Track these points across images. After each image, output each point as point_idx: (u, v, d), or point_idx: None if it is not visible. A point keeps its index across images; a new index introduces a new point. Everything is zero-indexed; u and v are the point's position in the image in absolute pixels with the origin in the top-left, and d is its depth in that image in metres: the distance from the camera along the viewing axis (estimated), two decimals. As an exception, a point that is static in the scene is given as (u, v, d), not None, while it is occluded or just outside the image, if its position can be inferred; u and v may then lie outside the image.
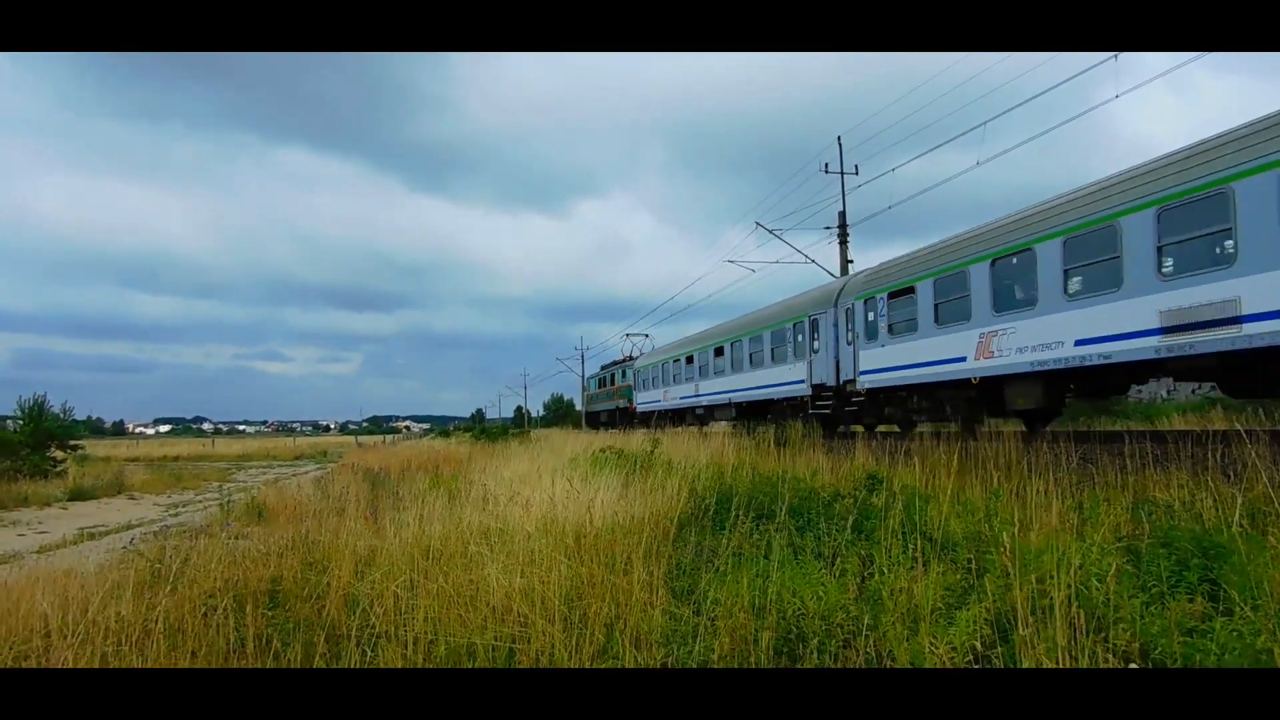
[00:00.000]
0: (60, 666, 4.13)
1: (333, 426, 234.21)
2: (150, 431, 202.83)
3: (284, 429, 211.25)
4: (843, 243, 26.44)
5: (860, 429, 17.39)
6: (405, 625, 4.63)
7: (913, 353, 14.73)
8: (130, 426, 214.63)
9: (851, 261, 26.15)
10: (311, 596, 5.39)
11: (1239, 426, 8.52)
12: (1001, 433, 10.37)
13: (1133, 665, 3.50)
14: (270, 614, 5.09)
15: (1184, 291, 9.48)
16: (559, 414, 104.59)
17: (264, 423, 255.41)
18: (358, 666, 4.32)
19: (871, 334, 16.33)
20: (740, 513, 6.23)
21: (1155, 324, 9.81)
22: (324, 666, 4.31)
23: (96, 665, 4.23)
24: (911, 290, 14.84)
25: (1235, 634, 3.53)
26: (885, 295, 15.91)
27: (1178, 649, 3.62)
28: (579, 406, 63.96)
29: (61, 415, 26.05)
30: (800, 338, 19.65)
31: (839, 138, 26.98)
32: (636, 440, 16.21)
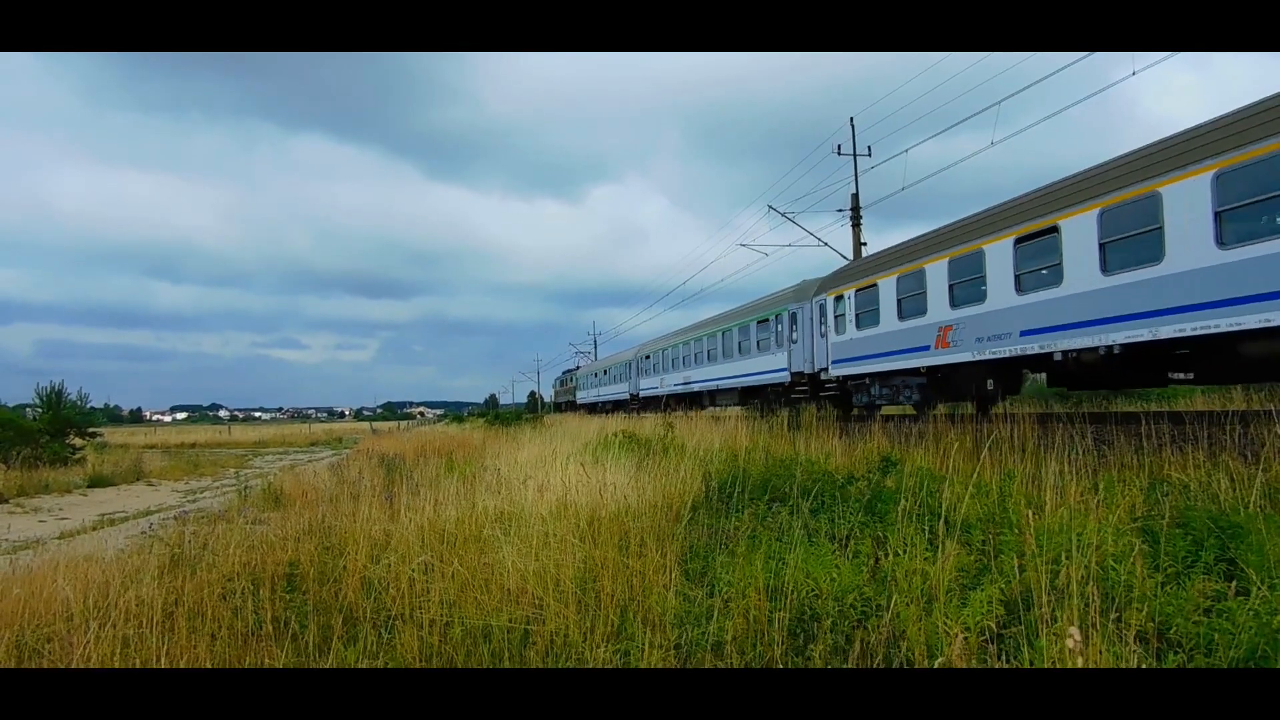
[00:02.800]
0: (79, 650, 4.19)
1: (348, 413, 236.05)
2: (167, 419, 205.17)
3: (299, 416, 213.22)
4: (855, 225, 26.22)
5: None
6: (421, 608, 4.68)
7: (655, 382, 35.34)
8: (148, 414, 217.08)
9: (865, 244, 25.92)
10: (328, 580, 5.45)
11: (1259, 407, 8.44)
12: (1015, 415, 10.38)
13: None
14: (288, 597, 5.16)
15: (690, 371, 30.87)
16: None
17: (280, 410, 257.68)
18: (374, 647, 4.37)
19: (646, 372, 37.45)
20: (754, 496, 6.23)
21: (682, 380, 31.82)
22: (341, 648, 4.36)
23: (118, 648, 4.29)
24: (648, 356, 37.31)
25: (1252, 613, 3.51)
26: (643, 356, 38.51)
27: (1194, 629, 3.60)
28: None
29: (79, 403, 26.29)
30: (625, 371, 42.36)
31: (851, 119, 26.65)
32: (650, 425, 16.66)
